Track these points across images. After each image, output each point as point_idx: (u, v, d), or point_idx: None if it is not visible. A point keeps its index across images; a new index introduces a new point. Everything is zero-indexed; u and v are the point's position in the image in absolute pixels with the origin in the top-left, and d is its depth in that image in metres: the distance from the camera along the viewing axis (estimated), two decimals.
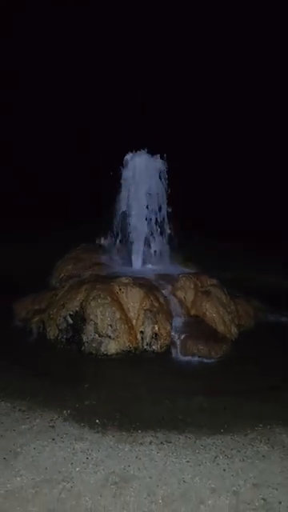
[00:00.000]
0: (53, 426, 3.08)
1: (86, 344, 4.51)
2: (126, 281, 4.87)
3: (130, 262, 5.77)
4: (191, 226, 5.72)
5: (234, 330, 5.03)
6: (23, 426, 3.07)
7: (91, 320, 4.57)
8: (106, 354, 4.43)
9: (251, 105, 13.63)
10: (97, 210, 5.61)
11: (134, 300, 4.71)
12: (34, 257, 7.46)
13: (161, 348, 4.57)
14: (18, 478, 2.50)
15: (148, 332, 4.57)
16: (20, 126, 13.98)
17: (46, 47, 14.07)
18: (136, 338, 4.57)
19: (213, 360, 4.47)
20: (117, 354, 4.45)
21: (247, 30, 13.63)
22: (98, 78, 14.13)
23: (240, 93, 13.98)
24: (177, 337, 4.65)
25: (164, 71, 14.21)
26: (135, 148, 5.73)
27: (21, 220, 10.19)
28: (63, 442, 2.90)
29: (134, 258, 5.74)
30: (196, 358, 4.48)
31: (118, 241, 5.80)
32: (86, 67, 14.23)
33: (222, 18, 13.79)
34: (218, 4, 13.60)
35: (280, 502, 2.41)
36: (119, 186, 5.67)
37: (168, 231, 5.64)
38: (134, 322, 4.64)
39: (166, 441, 2.95)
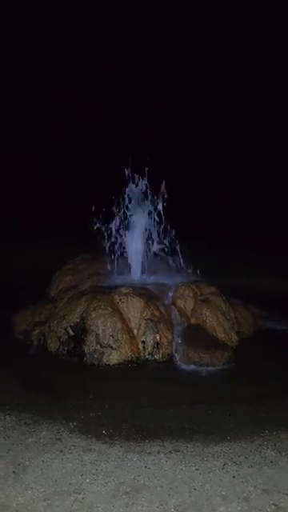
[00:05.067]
0: (60, 439, 3.07)
1: (87, 355, 4.51)
2: (126, 291, 4.90)
3: (128, 272, 5.79)
4: (190, 231, 5.76)
5: (234, 337, 5.07)
6: (30, 439, 3.06)
7: (92, 331, 4.58)
8: (109, 365, 4.44)
9: (252, 107, 13.72)
10: (97, 212, 5.64)
11: (134, 310, 4.73)
12: (34, 257, 7.47)
13: (163, 357, 4.59)
14: (29, 491, 2.48)
15: (150, 341, 4.59)
16: (20, 126, 13.96)
17: (45, 44, 14.12)
18: (138, 348, 4.59)
19: (215, 368, 4.50)
20: (119, 364, 4.46)
21: (247, 31, 13.76)
22: (99, 80, 14.17)
23: (241, 95, 14.08)
24: (178, 345, 4.67)
25: (165, 72, 14.27)
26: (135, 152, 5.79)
27: (20, 219, 10.15)
28: (71, 453, 2.89)
29: (132, 267, 5.75)
30: (198, 366, 4.50)
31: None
32: (87, 67, 14.27)
33: (222, 21, 13.93)
34: (218, 4, 13.73)
35: None
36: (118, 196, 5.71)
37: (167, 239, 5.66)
38: (135, 331, 4.66)
39: (174, 449, 2.96)
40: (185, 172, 12.21)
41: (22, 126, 14.03)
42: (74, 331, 4.69)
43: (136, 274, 5.73)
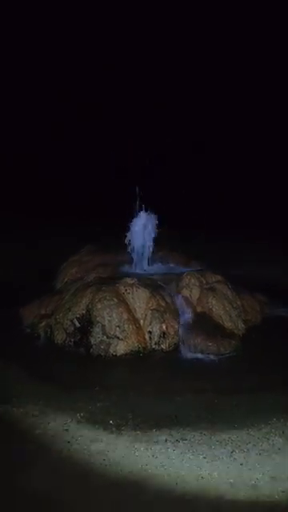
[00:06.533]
0: (67, 430, 3.09)
1: (94, 346, 4.51)
2: (132, 281, 4.88)
3: (133, 263, 5.77)
4: (192, 223, 5.73)
5: (240, 325, 5.03)
6: (37, 431, 3.07)
7: (98, 322, 4.57)
8: (115, 355, 4.43)
9: (251, 107, 13.61)
10: (98, 210, 5.62)
11: (140, 300, 4.71)
12: (34, 257, 7.50)
13: (169, 347, 4.58)
14: (38, 483, 2.50)
15: (156, 331, 4.58)
16: (20, 126, 13.94)
17: (44, 44, 14.06)
18: (144, 338, 4.58)
19: (222, 356, 4.48)
20: (126, 354, 4.45)
21: (247, 31, 13.61)
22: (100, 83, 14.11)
23: (241, 96, 13.97)
24: (185, 335, 4.65)
25: (165, 72, 14.18)
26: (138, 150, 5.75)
27: (20, 219, 10.18)
28: (79, 444, 2.90)
29: (137, 258, 5.73)
30: (205, 355, 4.48)
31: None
32: (87, 68, 14.19)
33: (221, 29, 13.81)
34: (218, 4, 13.59)
35: None
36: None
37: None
38: (141, 322, 4.65)
39: (181, 438, 2.96)
40: (184, 172, 12.27)
41: (22, 126, 14.00)
42: (80, 323, 4.68)
43: (141, 265, 5.70)
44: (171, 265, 5.90)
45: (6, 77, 13.69)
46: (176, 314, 4.80)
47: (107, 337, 4.51)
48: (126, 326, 4.53)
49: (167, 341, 4.58)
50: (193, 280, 5.12)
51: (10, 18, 14.10)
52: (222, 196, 11.77)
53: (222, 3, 13.80)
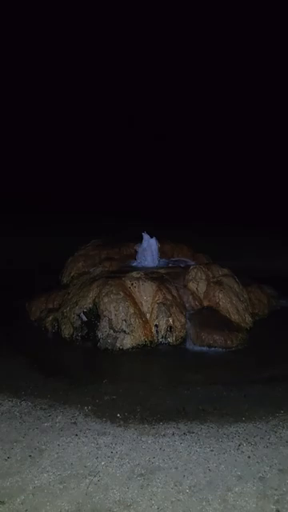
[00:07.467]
0: (75, 423, 3.10)
1: (101, 340, 4.53)
2: (138, 275, 4.88)
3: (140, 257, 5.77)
4: (191, 219, 5.72)
5: (248, 318, 5.03)
6: (46, 424, 3.09)
7: (105, 316, 4.58)
8: (122, 349, 4.45)
9: (251, 108, 13.56)
10: (98, 210, 5.64)
11: (146, 294, 4.71)
12: (36, 256, 7.55)
13: (176, 340, 4.58)
14: (45, 475, 2.51)
15: (162, 325, 4.58)
16: (20, 126, 13.98)
17: (44, 44, 14.07)
18: (151, 332, 4.58)
19: (228, 349, 4.47)
20: (132, 348, 4.46)
21: (247, 32, 13.53)
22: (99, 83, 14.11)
23: (240, 96, 13.93)
24: (191, 328, 4.65)
25: (165, 72, 14.16)
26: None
27: (20, 219, 10.25)
28: (86, 437, 2.91)
29: (144, 252, 5.72)
30: (212, 349, 4.48)
31: None
32: (87, 67, 14.20)
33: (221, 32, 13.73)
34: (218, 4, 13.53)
35: None
36: None
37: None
38: (148, 315, 4.65)
39: (189, 431, 2.96)
40: (184, 171, 12.29)
41: (22, 126, 14.04)
42: (87, 317, 4.70)
43: (147, 259, 5.69)
44: (178, 258, 5.88)
45: (6, 77, 13.71)
46: (183, 307, 4.80)
47: (114, 331, 4.52)
48: (132, 319, 4.54)
49: (174, 334, 4.58)
50: (199, 273, 5.12)
51: (10, 18, 14.08)
52: (222, 192, 11.79)
53: (222, 3, 13.74)
